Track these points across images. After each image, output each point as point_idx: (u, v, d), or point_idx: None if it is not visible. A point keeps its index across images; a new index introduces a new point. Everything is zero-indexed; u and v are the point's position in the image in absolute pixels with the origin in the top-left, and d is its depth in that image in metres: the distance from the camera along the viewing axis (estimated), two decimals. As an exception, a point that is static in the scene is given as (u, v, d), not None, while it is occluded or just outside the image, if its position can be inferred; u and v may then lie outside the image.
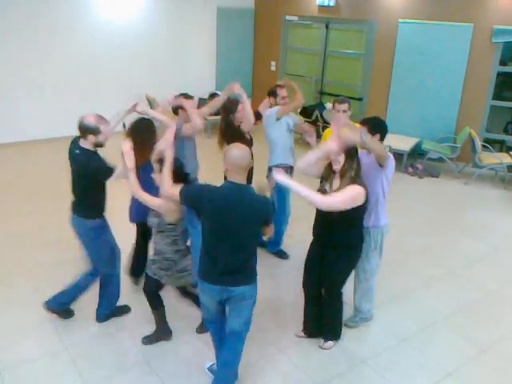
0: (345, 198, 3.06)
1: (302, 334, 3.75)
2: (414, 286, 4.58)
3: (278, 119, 4.53)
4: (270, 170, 4.63)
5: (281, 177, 3.09)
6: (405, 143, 7.80)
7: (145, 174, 3.38)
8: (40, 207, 5.83)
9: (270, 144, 4.65)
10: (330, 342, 3.66)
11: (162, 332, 3.63)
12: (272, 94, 4.73)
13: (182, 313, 3.85)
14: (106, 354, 3.50)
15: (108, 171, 3.37)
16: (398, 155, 7.71)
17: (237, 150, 2.80)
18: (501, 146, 8.26)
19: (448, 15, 7.60)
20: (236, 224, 2.73)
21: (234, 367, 3.09)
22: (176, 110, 4.25)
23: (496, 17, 7.20)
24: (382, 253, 3.72)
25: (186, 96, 4.24)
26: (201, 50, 9.95)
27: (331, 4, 8.85)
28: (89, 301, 3.89)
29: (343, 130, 3.18)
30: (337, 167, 3.20)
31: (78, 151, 3.41)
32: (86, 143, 3.40)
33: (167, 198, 3.05)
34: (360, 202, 3.12)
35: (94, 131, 3.33)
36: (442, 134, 7.94)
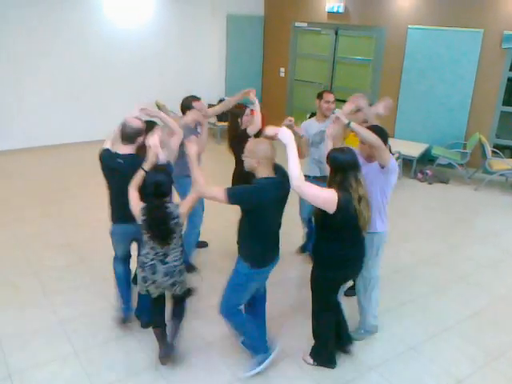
0: (317, 193, 2.99)
1: (310, 360, 3.59)
2: (423, 292, 4.56)
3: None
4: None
5: (286, 133, 2.97)
6: (414, 149, 7.78)
7: None
8: (49, 211, 5.88)
9: None
10: (309, 359, 3.53)
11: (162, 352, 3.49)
12: (318, 96, 4.52)
13: (188, 321, 3.86)
14: (116, 358, 3.52)
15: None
16: (407, 161, 7.71)
17: (263, 143, 3.02)
18: (511, 152, 8.20)
19: (458, 21, 7.58)
20: (278, 209, 3.12)
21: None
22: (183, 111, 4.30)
23: (506, 22, 7.18)
24: (379, 262, 3.66)
25: (194, 98, 4.31)
26: (210, 57, 10.02)
27: (340, 10, 8.88)
28: (97, 305, 3.92)
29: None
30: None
31: (121, 160, 3.42)
32: (128, 149, 3.45)
33: (207, 196, 3.14)
34: (330, 208, 2.96)
35: (141, 133, 3.46)
36: (452, 140, 7.91)
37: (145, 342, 3.66)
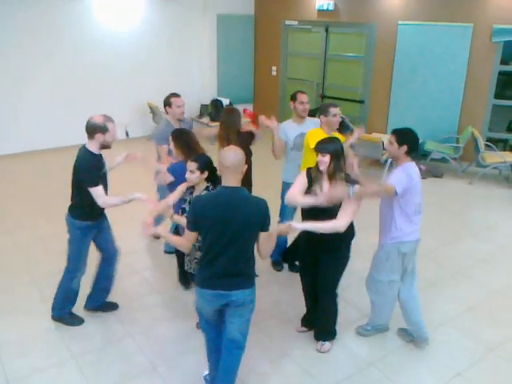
0: (352, 211, 3.21)
1: (303, 328, 3.81)
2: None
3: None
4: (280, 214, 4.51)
5: (299, 225, 3.21)
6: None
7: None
8: (47, 217, 5.85)
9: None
10: (328, 344, 3.65)
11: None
12: (292, 98, 4.46)
13: (187, 323, 3.86)
14: (113, 361, 3.51)
15: (90, 182, 3.43)
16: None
17: (230, 151, 2.77)
18: (504, 145, 8.25)
19: (447, 16, 7.61)
20: (232, 228, 2.68)
21: (234, 375, 3.00)
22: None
23: (496, 16, 7.21)
24: (400, 271, 3.61)
25: (175, 94, 4.64)
26: (202, 57, 10.00)
27: (330, 8, 8.88)
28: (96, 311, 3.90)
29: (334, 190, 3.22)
30: (323, 168, 3.23)
31: (80, 152, 3.51)
32: (93, 145, 3.47)
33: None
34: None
35: (102, 129, 3.43)
36: (445, 134, 7.93)
37: (143, 344, 3.66)
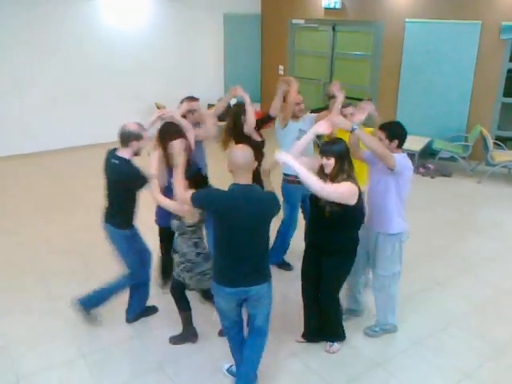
0: (344, 190, 3.07)
1: (302, 339, 3.72)
2: (427, 286, 4.55)
3: (284, 126, 4.35)
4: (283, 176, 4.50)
5: (284, 157, 3.06)
6: (416, 143, 7.76)
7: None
8: (52, 216, 5.90)
9: None
10: (336, 345, 3.63)
11: (189, 333, 3.69)
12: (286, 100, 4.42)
13: (195, 319, 3.86)
14: (121, 360, 3.53)
15: (144, 180, 3.45)
16: (409, 156, 7.66)
17: (238, 151, 2.84)
18: (513, 144, 8.19)
19: (455, 13, 7.55)
20: (248, 224, 2.76)
21: (256, 364, 3.15)
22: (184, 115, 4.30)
23: (504, 13, 7.15)
24: (402, 261, 3.65)
25: (192, 98, 4.32)
26: (208, 57, 10.02)
27: (337, 6, 8.86)
28: (104, 309, 3.92)
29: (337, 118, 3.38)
30: (328, 170, 3.18)
31: (115, 161, 3.48)
32: (125, 152, 3.49)
33: (182, 202, 3.15)
34: (353, 200, 3.10)
35: (138, 137, 3.47)
36: (453, 133, 7.88)
37: (151, 343, 3.68)
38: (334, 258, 3.35)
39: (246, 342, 3.14)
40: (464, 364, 3.54)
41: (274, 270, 4.66)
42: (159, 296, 4.24)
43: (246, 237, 2.79)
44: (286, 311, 4.10)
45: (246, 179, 2.81)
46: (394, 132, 3.42)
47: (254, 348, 3.12)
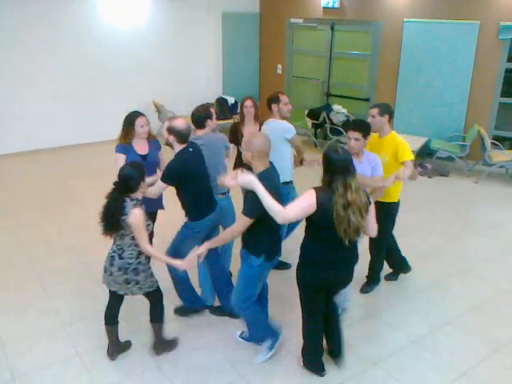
0: (299, 207, 2.90)
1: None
2: (425, 286, 4.55)
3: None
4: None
5: (245, 178, 2.96)
6: (413, 143, 7.73)
7: None
8: (51, 215, 5.88)
9: None
10: (301, 360, 3.47)
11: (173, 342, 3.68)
12: (275, 100, 4.41)
13: (197, 320, 3.86)
14: (118, 359, 3.51)
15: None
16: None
17: (260, 137, 3.11)
18: (511, 144, 8.18)
19: (453, 13, 7.56)
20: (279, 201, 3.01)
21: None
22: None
23: (503, 13, 7.16)
24: None
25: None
26: (207, 56, 10.00)
27: (336, 5, 8.86)
28: (98, 307, 3.90)
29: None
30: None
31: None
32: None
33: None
34: (313, 209, 2.87)
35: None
36: (451, 133, 7.89)
37: (146, 344, 3.66)
38: (297, 265, 3.19)
39: (260, 301, 3.55)
40: (461, 363, 3.53)
41: (274, 271, 4.68)
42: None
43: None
44: (283, 310, 4.09)
45: (267, 163, 3.13)
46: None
47: (266, 298, 3.74)
